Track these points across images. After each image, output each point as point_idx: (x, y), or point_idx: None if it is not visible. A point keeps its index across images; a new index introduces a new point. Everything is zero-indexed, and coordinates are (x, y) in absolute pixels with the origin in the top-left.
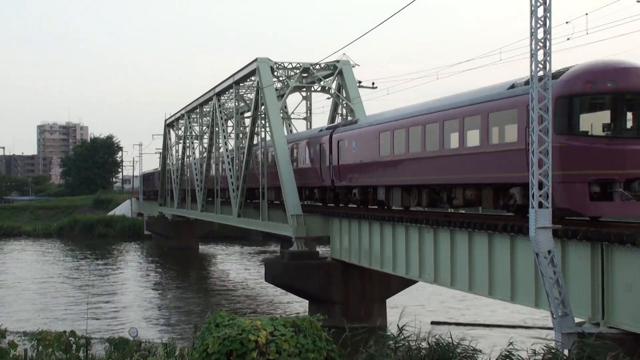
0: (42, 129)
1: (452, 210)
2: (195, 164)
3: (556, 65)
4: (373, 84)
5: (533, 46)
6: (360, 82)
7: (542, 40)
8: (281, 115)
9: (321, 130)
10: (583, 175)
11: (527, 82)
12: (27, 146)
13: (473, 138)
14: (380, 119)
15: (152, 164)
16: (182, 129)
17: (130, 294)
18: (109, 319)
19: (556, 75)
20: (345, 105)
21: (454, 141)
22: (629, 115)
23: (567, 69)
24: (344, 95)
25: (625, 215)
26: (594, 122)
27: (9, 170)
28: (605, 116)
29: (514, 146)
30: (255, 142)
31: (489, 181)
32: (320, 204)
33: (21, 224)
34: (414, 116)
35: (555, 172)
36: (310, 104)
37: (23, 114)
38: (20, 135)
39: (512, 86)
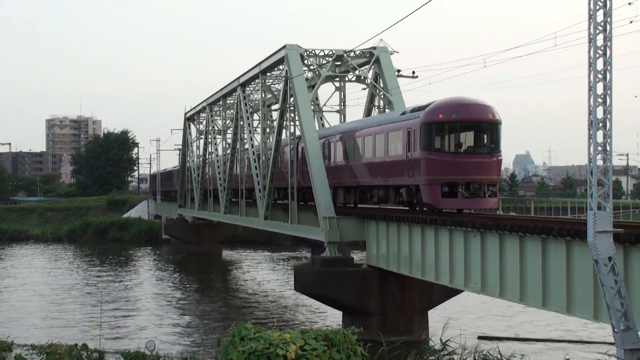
0: (51, 124)
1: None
2: (217, 161)
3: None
4: (413, 72)
5: (592, 30)
6: (399, 70)
7: (602, 24)
8: (312, 107)
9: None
10: (437, 180)
11: (412, 110)
12: (35, 142)
13: (380, 151)
14: (330, 131)
15: (170, 161)
16: (204, 123)
17: (147, 303)
18: (124, 330)
19: (423, 107)
20: (382, 96)
21: (369, 153)
22: (467, 137)
23: (432, 102)
24: (381, 85)
25: (464, 207)
26: (444, 142)
27: (15, 169)
28: (451, 138)
29: (400, 158)
30: (283, 137)
31: (390, 183)
32: (352, 206)
33: (28, 227)
34: (349, 131)
35: (422, 176)
36: (344, 95)
37: (31, 107)
38: (27, 131)
39: (403, 112)
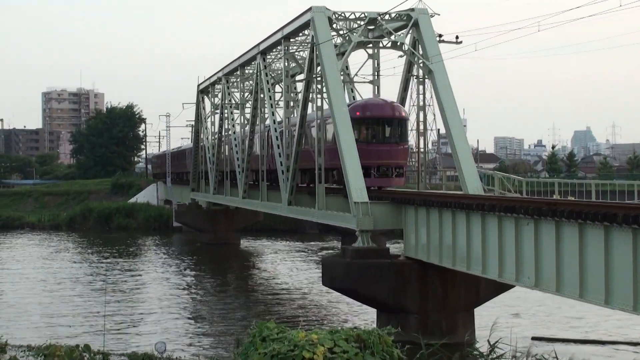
0: (48, 97)
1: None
2: (235, 139)
3: None
4: (457, 38)
5: None
6: (441, 35)
7: None
8: (342, 78)
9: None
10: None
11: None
12: (30, 118)
13: (322, 139)
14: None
15: (181, 139)
16: (219, 96)
17: (157, 299)
18: (131, 330)
19: (348, 106)
20: (422, 65)
21: (315, 139)
22: (378, 130)
23: (352, 103)
24: (421, 52)
25: (376, 185)
26: (360, 134)
27: (8, 148)
28: (366, 131)
29: (333, 146)
30: (309, 111)
31: (327, 166)
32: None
33: (23, 213)
34: (311, 120)
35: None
36: (378, 64)
37: (25, 79)
38: (21, 105)
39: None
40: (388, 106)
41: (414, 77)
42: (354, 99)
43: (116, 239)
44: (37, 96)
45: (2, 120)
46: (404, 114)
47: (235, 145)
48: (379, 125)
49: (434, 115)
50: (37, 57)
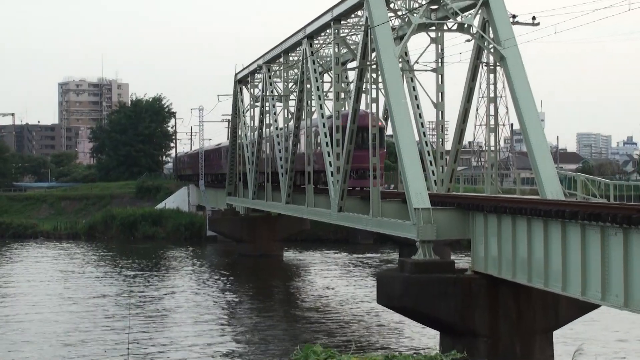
0: (64, 89)
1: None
2: (278, 135)
3: None
4: (534, 19)
5: None
6: (514, 16)
7: None
8: (400, 65)
9: None
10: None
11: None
12: (45, 112)
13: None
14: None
15: (216, 135)
16: (259, 86)
17: (188, 319)
18: (159, 354)
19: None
20: (492, 50)
21: (312, 145)
22: (357, 138)
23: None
24: (491, 35)
25: (354, 186)
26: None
27: (20, 146)
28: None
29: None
30: (362, 104)
31: (316, 169)
32: (456, 195)
33: (37, 220)
34: (309, 127)
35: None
36: (442, 49)
37: (39, 68)
38: (35, 98)
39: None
40: (366, 116)
41: (484, 64)
42: (414, 89)
43: (142, 250)
44: (53, 87)
45: (13, 114)
46: (380, 123)
47: (278, 143)
48: (358, 134)
49: (507, 108)
50: (53, 43)
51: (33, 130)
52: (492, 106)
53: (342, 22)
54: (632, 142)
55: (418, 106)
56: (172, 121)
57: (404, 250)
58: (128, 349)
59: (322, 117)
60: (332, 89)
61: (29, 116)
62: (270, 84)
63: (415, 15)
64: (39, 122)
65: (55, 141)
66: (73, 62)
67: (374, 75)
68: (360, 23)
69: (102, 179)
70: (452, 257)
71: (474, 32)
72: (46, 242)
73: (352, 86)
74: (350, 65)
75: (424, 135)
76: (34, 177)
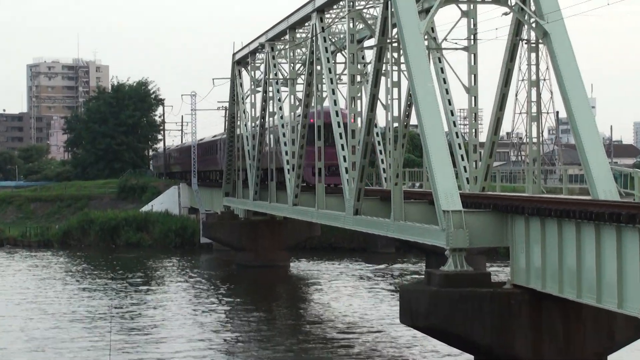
0: (35, 71)
1: None
2: (283, 125)
3: None
4: None
5: None
6: None
7: None
8: (426, 43)
9: None
10: (310, 164)
11: None
12: (11, 100)
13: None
14: None
15: (212, 126)
16: (262, 68)
17: (180, 344)
18: None
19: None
20: (534, 25)
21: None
22: (330, 135)
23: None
24: (533, 8)
25: (327, 182)
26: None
27: None
28: (320, 135)
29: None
30: (382, 88)
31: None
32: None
33: (2, 225)
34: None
35: (305, 162)
36: (475, 25)
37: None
38: (0, 83)
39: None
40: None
41: (524, 41)
42: (442, 71)
43: (125, 260)
44: (21, 70)
45: None
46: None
47: (284, 135)
48: (330, 131)
49: (551, 93)
50: (21, 19)
51: None
52: (533, 91)
53: None
54: None
55: (447, 91)
56: (160, 109)
57: (431, 260)
58: None
59: (335, 103)
60: (346, 71)
61: None
62: (274, 66)
63: None
64: (4, 110)
65: (23, 133)
66: (44, 41)
67: (395, 55)
68: None
69: (79, 177)
70: (488, 268)
71: (513, 3)
72: (13, 250)
73: (370, 68)
74: (367, 43)
75: (454, 125)
76: None
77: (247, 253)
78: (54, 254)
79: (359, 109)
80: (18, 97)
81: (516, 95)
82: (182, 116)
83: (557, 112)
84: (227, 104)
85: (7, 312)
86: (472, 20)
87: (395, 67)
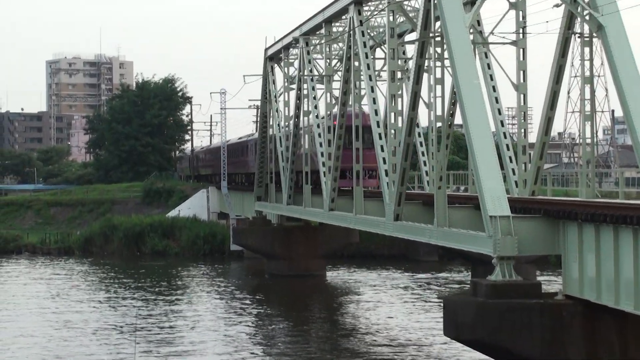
0: (54, 68)
1: None
2: (319, 126)
3: None
4: None
5: None
6: None
7: None
8: (471, 37)
9: None
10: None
11: None
12: (31, 98)
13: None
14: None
15: (243, 126)
16: (296, 64)
17: (208, 357)
18: None
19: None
20: (588, 18)
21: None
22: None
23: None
24: (585, 0)
25: (349, 186)
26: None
27: (0, 139)
28: (343, 137)
29: None
30: (424, 85)
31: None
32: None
33: (20, 231)
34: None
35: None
36: (525, 17)
37: (23, 43)
38: (18, 80)
39: None
40: (362, 115)
41: (577, 35)
42: (488, 67)
43: (150, 268)
44: (40, 67)
45: None
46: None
47: (319, 135)
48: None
49: (606, 90)
50: (41, 13)
51: (15, 120)
52: (587, 88)
53: None
54: None
55: (494, 88)
56: (187, 108)
57: (477, 270)
58: None
59: (374, 102)
60: (385, 68)
61: (10, 102)
62: (309, 62)
63: None
64: (22, 109)
65: (42, 133)
66: (65, 36)
67: (438, 50)
68: None
69: (101, 180)
70: (538, 278)
71: None
72: (31, 258)
73: (411, 64)
74: (408, 37)
75: (502, 125)
76: (16, 178)
77: (280, 261)
78: (75, 262)
79: (399, 108)
80: (37, 95)
81: (568, 93)
82: (210, 115)
83: (613, 111)
84: (258, 103)
85: (27, 323)
86: (521, 12)
87: (438, 63)
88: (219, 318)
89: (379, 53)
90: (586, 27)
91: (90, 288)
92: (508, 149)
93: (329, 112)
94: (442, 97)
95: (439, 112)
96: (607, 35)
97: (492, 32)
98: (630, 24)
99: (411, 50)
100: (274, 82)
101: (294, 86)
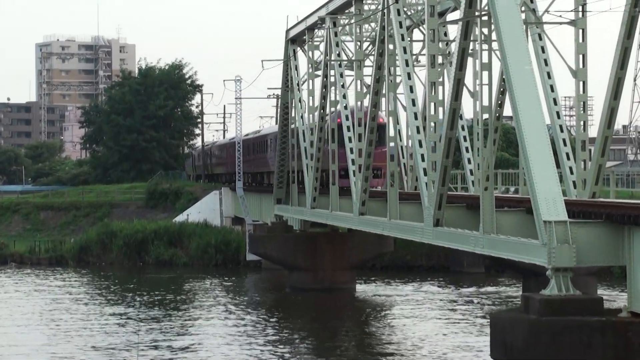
0: (46, 52)
1: None
2: (348, 118)
3: None
4: None
5: None
6: None
7: None
8: (523, 16)
9: None
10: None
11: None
12: (19, 87)
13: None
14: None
15: (259, 118)
16: (322, 48)
17: None
18: None
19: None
20: None
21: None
22: None
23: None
24: None
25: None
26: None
27: None
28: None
29: None
30: (469, 70)
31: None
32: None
33: (6, 238)
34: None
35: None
36: None
37: (12, 25)
38: (5, 66)
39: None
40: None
41: None
42: (542, 50)
43: (154, 281)
44: (29, 51)
45: None
46: (381, 120)
47: (348, 129)
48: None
49: None
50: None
51: (2, 111)
52: None
53: None
54: None
55: (549, 75)
56: (198, 98)
57: (529, 283)
58: None
59: (412, 90)
60: (424, 51)
61: None
62: (337, 45)
63: None
64: (8, 99)
65: (31, 126)
66: (57, 16)
67: (485, 31)
68: None
69: (99, 180)
70: (600, 292)
71: None
72: (19, 269)
73: (454, 47)
74: (450, 17)
75: (558, 117)
76: (1, 177)
77: (304, 273)
78: (68, 274)
79: (440, 97)
80: (25, 83)
81: (635, 80)
82: (224, 106)
83: None
84: (279, 92)
85: (17, 342)
86: None
87: (485, 46)
88: (232, 339)
89: (416, 35)
90: None
91: (85, 304)
92: (565, 145)
93: (375, 102)
94: (489, 85)
95: (485, 102)
96: None
97: (547, 11)
98: None
99: (454, 31)
100: (296, 68)
101: (320, 73)
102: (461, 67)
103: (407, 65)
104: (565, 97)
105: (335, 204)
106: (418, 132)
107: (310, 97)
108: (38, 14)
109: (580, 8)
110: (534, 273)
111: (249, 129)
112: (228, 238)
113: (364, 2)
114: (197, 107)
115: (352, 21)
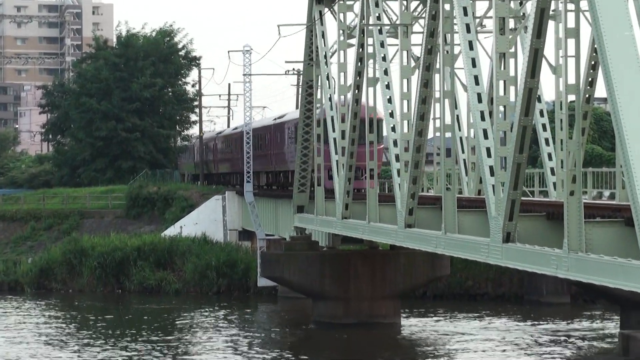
0: None
1: None
2: (390, 100)
3: None
4: None
5: None
6: None
7: None
8: None
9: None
10: (327, 166)
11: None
12: None
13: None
14: None
15: (276, 102)
16: (357, 10)
17: None
18: None
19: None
20: None
21: None
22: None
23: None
24: None
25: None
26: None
27: None
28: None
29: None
30: (550, 38)
31: None
32: None
33: None
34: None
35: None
36: None
37: None
38: None
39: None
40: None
41: None
42: None
43: (137, 314)
44: None
45: None
46: (380, 115)
47: (391, 114)
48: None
49: None
50: None
51: None
52: None
53: None
54: None
55: None
56: (194, 74)
57: (629, 317)
58: None
59: (474, 64)
60: (490, 13)
61: None
62: (377, 5)
63: None
64: None
65: None
66: None
67: None
68: None
69: (65, 182)
70: None
71: None
72: None
73: (529, 7)
74: None
75: None
76: None
77: (333, 303)
78: (24, 303)
79: (511, 74)
80: None
81: None
82: (229, 85)
83: None
84: (300, 66)
85: None
86: None
87: (570, 6)
88: None
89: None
90: None
91: (46, 346)
92: None
93: (426, 78)
94: (577, 57)
95: (571, 80)
96: None
97: None
98: None
99: None
100: (323, 36)
101: (354, 41)
102: (539, 34)
103: (468, 31)
104: None
105: (373, 213)
106: (482, 118)
107: (342, 73)
108: None
109: None
110: (636, 304)
111: (264, 115)
112: (234, 258)
113: None
114: (193, 86)
115: None
